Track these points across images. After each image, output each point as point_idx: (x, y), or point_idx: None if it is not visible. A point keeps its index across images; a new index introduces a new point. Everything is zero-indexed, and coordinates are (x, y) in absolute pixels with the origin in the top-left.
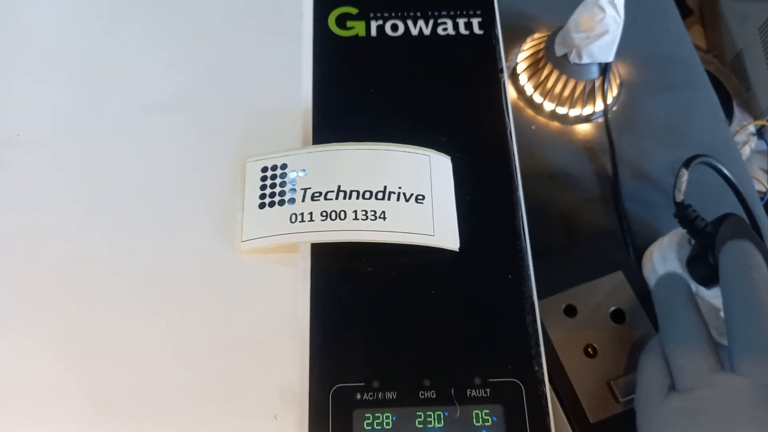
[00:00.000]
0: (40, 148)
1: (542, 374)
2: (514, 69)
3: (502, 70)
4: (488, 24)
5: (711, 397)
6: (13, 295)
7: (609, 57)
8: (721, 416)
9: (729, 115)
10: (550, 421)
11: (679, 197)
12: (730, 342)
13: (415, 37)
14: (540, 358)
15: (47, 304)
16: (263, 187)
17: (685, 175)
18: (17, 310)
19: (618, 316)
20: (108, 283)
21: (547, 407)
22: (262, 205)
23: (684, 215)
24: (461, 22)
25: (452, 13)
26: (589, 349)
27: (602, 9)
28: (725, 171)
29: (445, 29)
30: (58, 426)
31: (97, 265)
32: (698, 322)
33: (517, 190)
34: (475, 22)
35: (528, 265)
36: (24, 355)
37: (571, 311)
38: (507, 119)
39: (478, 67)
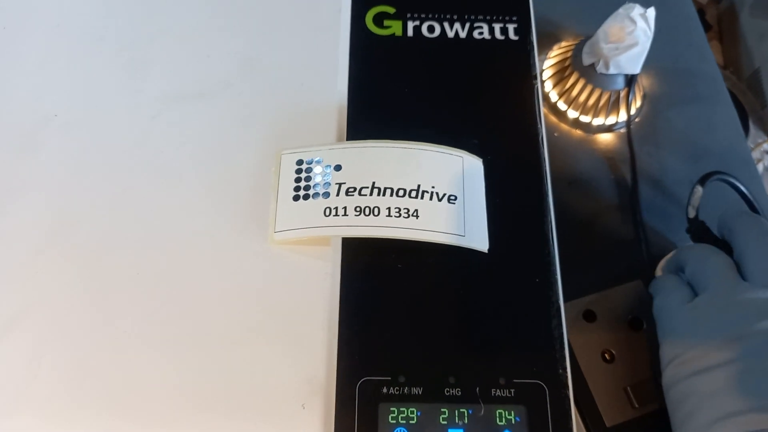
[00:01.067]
0: (74, 130)
1: (566, 377)
2: (540, 75)
3: (535, 77)
4: (524, 30)
5: (739, 302)
6: (44, 275)
7: (636, 69)
8: (745, 320)
9: (744, 131)
10: (572, 424)
11: (692, 213)
12: (745, 271)
13: (450, 39)
14: (564, 361)
15: (78, 285)
16: (298, 180)
17: (699, 191)
18: (48, 290)
19: (636, 323)
20: (139, 267)
21: (570, 410)
22: (296, 198)
23: (696, 231)
24: (497, 27)
25: (489, 17)
26: (607, 355)
27: (633, 21)
28: (742, 188)
29: (480, 33)
30: (88, 401)
31: (128, 249)
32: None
33: (547, 195)
34: (510, 27)
35: (555, 270)
36: (57, 333)
37: (590, 316)
38: (539, 125)
39: (512, 72)
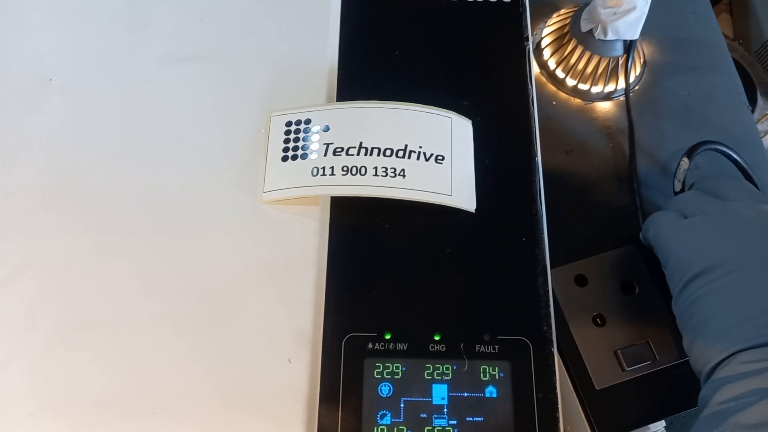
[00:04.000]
0: (72, 91)
1: (551, 334)
2: (539, 44)
3: (527, 38)
4: None
5: (738, 214)
6: (44, 230)
7: (635, 34)
8: (750, 230)
9: (752, 103)
10: (556, 380)
11: (678, 187)
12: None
13: (443, 1)
14: (549, 318)
15: (75, 240)
16: (287, 141)
17: (685, 164)
18: (47, 245)
19: (628, 288)
20: (133, 224)
21: (554, 366)
22: (285, 158)
23: None
24: None
25: None
26: (598, 319)
27: None
28: (735, 156)
29: None
30: (85, 351)
31: (123, 206)
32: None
33: (535, 155)
34: None
35: (542, 229)
36: (55, 286)
37: (581, 281)
38: (530, 86)
39: (504, 33)
